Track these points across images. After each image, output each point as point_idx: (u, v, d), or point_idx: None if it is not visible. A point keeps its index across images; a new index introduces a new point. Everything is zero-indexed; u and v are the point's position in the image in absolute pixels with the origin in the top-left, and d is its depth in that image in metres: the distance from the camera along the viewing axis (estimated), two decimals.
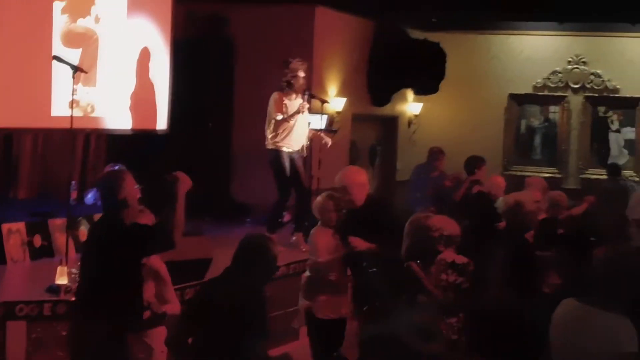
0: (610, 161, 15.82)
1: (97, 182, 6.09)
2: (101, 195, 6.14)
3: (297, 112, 10.58)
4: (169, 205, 5.86)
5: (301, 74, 10.71)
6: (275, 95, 10.69)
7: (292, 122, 10.66)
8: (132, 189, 6.02)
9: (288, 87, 10.70)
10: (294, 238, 10.92)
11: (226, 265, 5.50)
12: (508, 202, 7.79)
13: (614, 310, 4.48)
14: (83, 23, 10.57)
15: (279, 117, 10.58)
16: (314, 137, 11.19)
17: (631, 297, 4.53)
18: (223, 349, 5.27)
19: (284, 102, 10.66)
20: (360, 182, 7.62)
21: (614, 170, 14.50)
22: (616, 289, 4.51)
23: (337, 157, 13.83)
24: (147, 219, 6.47)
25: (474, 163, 11.36)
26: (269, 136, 10.72)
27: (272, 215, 11.05)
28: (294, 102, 10.73)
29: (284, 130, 10.67)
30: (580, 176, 16.11)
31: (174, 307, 6.91)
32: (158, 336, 6.57)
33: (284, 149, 10.72)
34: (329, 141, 10.99)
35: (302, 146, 10.93)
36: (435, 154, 12.99)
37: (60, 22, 10.18)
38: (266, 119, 10.77)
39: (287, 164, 10.74)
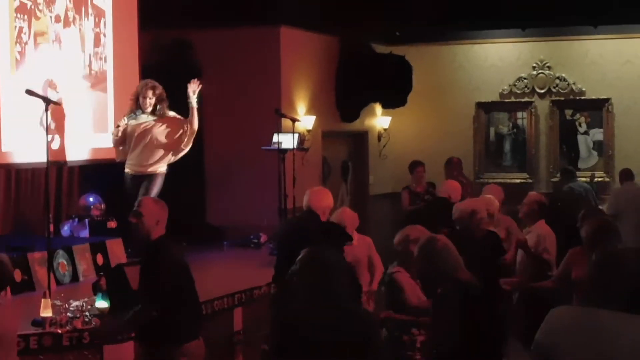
0: (580, 163, 16.00)
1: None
2: None
3: None
4: None
5: (144, 95, 10.47)
6: None
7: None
8: None
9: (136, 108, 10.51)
10: None
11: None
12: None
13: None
14: None
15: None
16: None
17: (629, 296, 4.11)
18: None
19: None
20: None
21: (568, 175, 14.56)
22: (615, 290, 4.07)
23: (311, 174, 13.88)
24: None
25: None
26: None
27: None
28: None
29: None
30: (552, 180, 16.20)
31: None
32: None
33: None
34: None
35: None
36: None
37: None
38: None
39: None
